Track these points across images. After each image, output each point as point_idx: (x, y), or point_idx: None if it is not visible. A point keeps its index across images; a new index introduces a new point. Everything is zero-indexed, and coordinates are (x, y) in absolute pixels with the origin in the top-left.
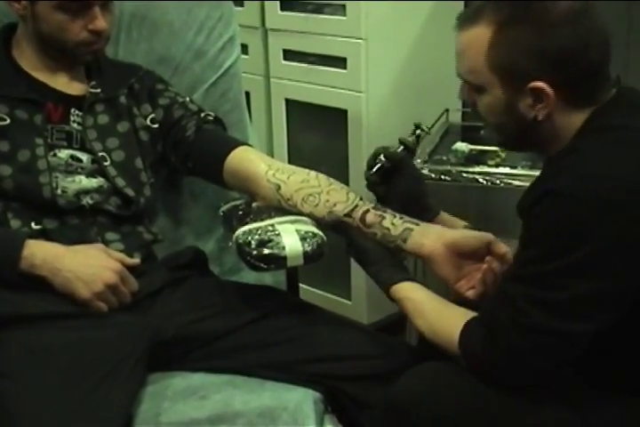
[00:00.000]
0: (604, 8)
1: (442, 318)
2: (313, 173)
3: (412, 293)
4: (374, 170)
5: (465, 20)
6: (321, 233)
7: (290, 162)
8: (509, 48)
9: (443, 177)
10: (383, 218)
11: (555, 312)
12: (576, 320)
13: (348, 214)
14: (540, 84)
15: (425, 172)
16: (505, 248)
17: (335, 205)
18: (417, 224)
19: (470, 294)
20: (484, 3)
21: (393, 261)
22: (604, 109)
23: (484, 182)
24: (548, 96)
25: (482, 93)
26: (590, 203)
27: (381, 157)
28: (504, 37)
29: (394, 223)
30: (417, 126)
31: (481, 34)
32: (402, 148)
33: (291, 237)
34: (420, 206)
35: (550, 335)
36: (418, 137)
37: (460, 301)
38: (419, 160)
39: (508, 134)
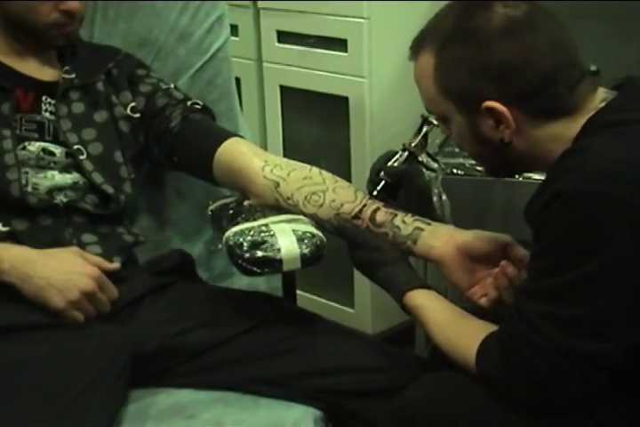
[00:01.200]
0: None
1: (461, 332)
2: (315, 169)
3: (429, 301)
4: (379, 188)
5: (412, 50)
6: (320, 234)
7: (285, 155)
8: (452, 70)
9: (455, 171)
10: (395, 215)
11: (572, 330)
12: (596, 338)
13: (357, 215)
14: (490, 103)
15: (434, 166)
16: (523, 252)
17: (342, 205)
18: (428, 224)
19: (483, 301)
20: (423, 29)
21: (409, 264)
22: (609, 105)
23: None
24: (503, 115)
25: (448, 123)
26: (603, 204)
27: (382, 174)
28: (445, 60)
29: (405, 221)
30: (425, 119)
31: (426, 61)
32: (405, 155)
33: (287, 238)
34: (430, 218)
35: (568, 356)
36: (425, 135)
37: (475, 308)
38: (423, 157)
39: (489, 163)
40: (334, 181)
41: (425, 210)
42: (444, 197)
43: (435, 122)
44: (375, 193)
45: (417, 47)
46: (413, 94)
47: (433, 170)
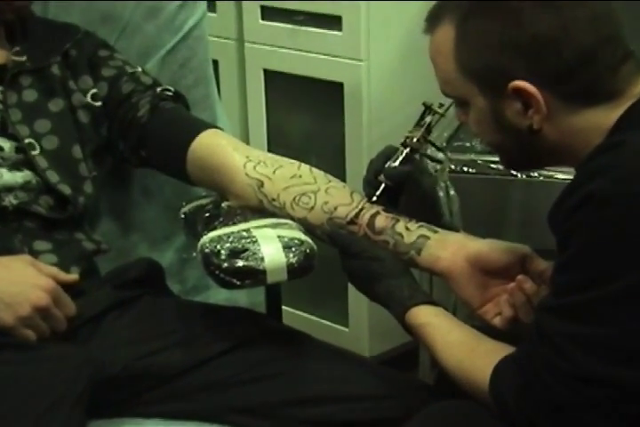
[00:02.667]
0: None
1: (472, 355)
2: (305, 166)
3: (436, 318)
4: (378, 193)
5: (428, 21)
6: (310, 241)
7: (270, 150)
8: (475, 45)
9: (465, 169)
10: (396, 221)
11: (603, 355)
12: (631, 365)
13: (353, 221)
14: (519, 83)
15: (440, 156)
16: (543, 264)
17: (336, 208)
18: (435, 231)
19: (497, 321)
20: None
21: (412, 277)
22: None
23: (519, 176)
24: (534, 97)
25: (466, 107)
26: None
27: (382, 176)
28: (467, 34)
29: (408, 228)
30: (427, 107)
31: (444, 35)
32: (406, 152)
33: (271, 246)
34: (438, 225)
35: (597, 385)
36: (429, 127)
37: (488, 328)
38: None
39: (510, 154)
40: (327, 180)
41: (431, 217)
42: (451, 192)
43: (439, 111)
44: (374, 198)
45: (434, 18)
46: (418, 80)
47: (438, 161)
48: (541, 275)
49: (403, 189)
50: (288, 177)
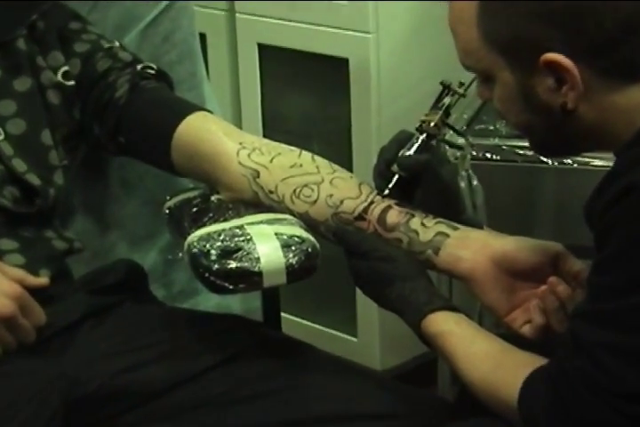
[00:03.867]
0: None
1: (499, 367)
2: (307, 153)
3: (457, 326)
4: (390, 186)
5: None
6: (312, 238)
7: (265, 135)
8: (502, 12)
9: (489, 156)
10: (411, 216)
11: None
12: None
13: (361, 216)
14: (552, 56)
15: (461, 141)
16: (579, 264)
17: (342, 202)
18: (455, 228)
19: (527, 329)
20: None
21: (429, 280)
22: None
23: (550, 163)
24: (569, 72)
25: (491, 83)
26: None
27: (395, 166)
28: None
29: (424, 224)
30: (446, 87)
31: (467, 1)
32: (423, 138)
33: (268, 244)
34: (460, 222)
35: None
36: (447, 109)
37: (516, 337)
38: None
39: (541, 137)
40: (331, 170)
41: (451, 212)
42: (474, 182)
43: (459, 90)
44: (386, 192)
45: None
46: (434, 54)
47: (459, 147)
48: (576, 276)
49: (418, 180)
50: (287, 166)
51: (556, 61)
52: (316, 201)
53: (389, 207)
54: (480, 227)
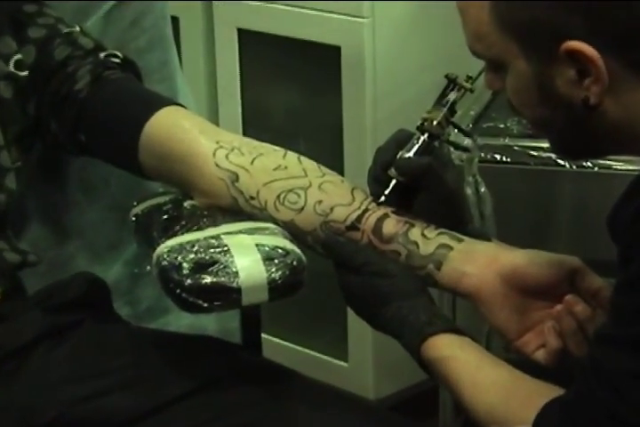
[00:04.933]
0: None
1: (510, 398)
2: (293, 154)
3: (462, 351)
4: (387, 192)
5: None
6: (298, 250)
7: (245, 133)
8: None
9: (498, 157)
10: (410, 226)
11: None
12: None
13: (354, 225)
14: (574, 44)
15: (466, 142)
16: (599, 281)
17: (332, 209)
18: (459, 240)
19: (540, 355)
20: None
21: (430, 298)
22: None
23: (567, 165)
24: (592, 62)
25: (501, 72)
26: None
27: (392, 170)
28: None
29: (425, 235)
30: (451, 81)
31: None
32: (424, 139)
33: (248, 257)
34: (465, 233)
35: None
36: (453, 106)
37: (529, 363)
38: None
39: (559, 135)
40: (321, 173)
41: (456, 222)
42: (482, 188)
43: (467, 85)
44: (382, 198)
45: None
46: (436, 43)
47: (465, 149)
48: (596, 295)
49: (419, 185)
50: (270, 169)
51: (578, 51)
52: (302, 208)
53: (386, 216)
54: (488, 239)
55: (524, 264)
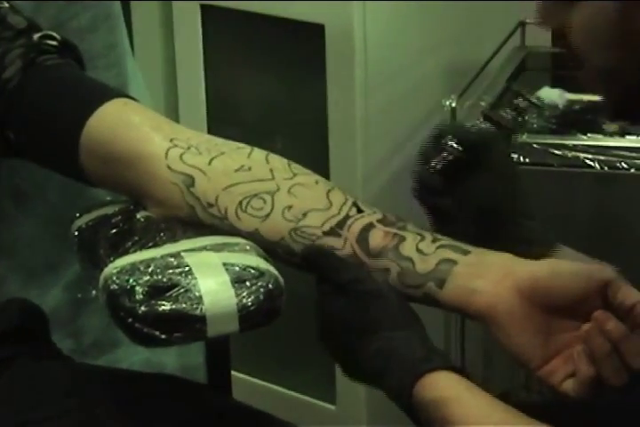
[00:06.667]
0: None
1: None
2: (259, 152)
3: (469, 393)
4: (436, 165)
5: None
6: (273, 270)
7: (210, 129)
8: None
9: (515, 157)
10: (401, 239)
11: None
12: None
13: (334, 230)
14: None
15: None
16: (636, 295)
17: (305, 214)
18: (465, 252)
19: (569, 386)
20: None
21: (423, 329)
22: None
23: (597, 166)
24: None
25: (568, 4)
26: None
27: (450, 141)
28: None
29: (421, 250)
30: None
31: None
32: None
33: (214, 279)
34: (519, 235)
35: None
36: (517, 107)
37: (552, 400)
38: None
39: (629, 88)
40: (291, 174)
41: (511, 214)
42: None
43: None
44: (430, 168)
45: None
46: (435, 22)
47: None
48: (631, 311)
49: (477, 160)
50: (231, 170)
51: None
52: (268, 215)
53: (371, 226)
54: (549, 245)
55: (545, 276)
